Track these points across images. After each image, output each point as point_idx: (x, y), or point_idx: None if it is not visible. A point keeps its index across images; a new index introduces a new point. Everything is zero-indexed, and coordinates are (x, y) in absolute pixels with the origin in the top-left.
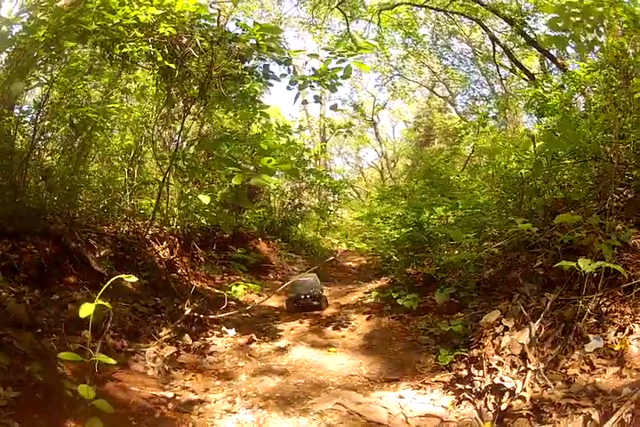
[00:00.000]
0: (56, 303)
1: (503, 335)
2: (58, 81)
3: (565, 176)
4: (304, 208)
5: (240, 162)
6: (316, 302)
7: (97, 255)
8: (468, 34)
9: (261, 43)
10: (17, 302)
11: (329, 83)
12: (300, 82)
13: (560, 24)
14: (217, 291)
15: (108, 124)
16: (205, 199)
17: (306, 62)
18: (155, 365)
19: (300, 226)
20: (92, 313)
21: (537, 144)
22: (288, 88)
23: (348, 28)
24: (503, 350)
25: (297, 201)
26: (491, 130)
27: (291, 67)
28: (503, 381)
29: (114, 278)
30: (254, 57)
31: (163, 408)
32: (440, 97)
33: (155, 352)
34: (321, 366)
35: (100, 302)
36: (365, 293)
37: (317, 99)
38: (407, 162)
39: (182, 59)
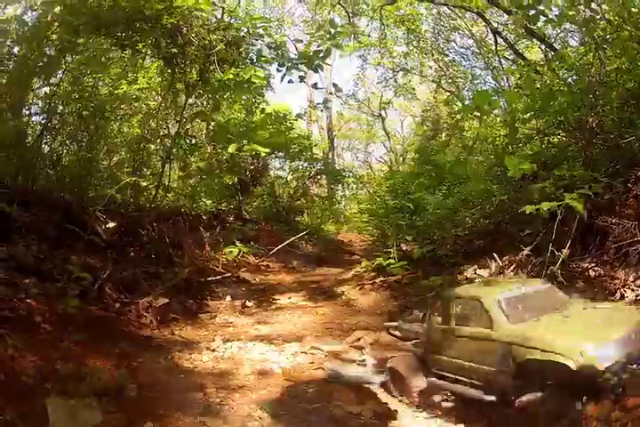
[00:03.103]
0: (60, 256)
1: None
2: (69, 73)
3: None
4: (309, 197)
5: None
6: None
7: (104, 227)
8: (469, 28)
9: (252, 30)
10: (25, 252)
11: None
12: (288, 64)
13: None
14: (220, 269)
15: (115, 113)
16: (202, 164)
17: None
18: (147, 314)
19: (305, 215)
20: None
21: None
22: (277, 70)
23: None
24: None
25: (302, 191)
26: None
27: (280, 52)
28: None
29: None
30: (247, 43)
31: (145, 344)
32: (446, 91)
33: (148, 302)
34: (306, 322)
35: None
36: (362, 268)
37: (302, 78)
38: (415, 156)
39: (183, 45)
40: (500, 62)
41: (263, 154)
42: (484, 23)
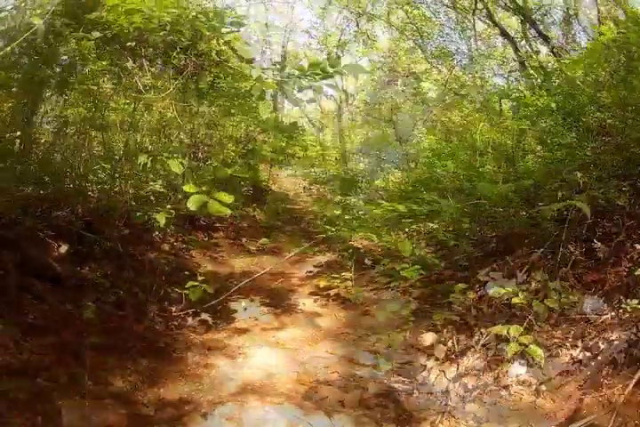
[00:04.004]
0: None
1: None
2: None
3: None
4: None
5: None
6: None
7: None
8: None
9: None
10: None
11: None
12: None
13: None
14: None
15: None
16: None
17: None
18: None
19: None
20: None
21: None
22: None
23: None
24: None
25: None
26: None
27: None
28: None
29: None
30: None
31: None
32: (410, 39)
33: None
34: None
35: None
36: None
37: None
38: (367, 98)
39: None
40: (474, 25)
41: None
42: None
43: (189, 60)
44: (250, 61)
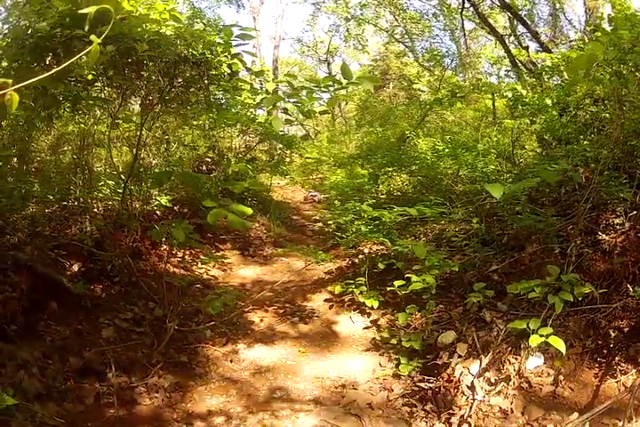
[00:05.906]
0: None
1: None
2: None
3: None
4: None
5: None
6: None
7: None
8: None
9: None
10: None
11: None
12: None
13: None
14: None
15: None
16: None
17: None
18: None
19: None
20: None
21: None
22: None
23: None
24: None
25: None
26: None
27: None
28: None
29: None
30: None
31: None
32: (399, 41)
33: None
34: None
35: None
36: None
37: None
38: (360, 103)
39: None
40: (463, 24)
41: None
42: None
43: (202, 74)
44: (260, 74)
